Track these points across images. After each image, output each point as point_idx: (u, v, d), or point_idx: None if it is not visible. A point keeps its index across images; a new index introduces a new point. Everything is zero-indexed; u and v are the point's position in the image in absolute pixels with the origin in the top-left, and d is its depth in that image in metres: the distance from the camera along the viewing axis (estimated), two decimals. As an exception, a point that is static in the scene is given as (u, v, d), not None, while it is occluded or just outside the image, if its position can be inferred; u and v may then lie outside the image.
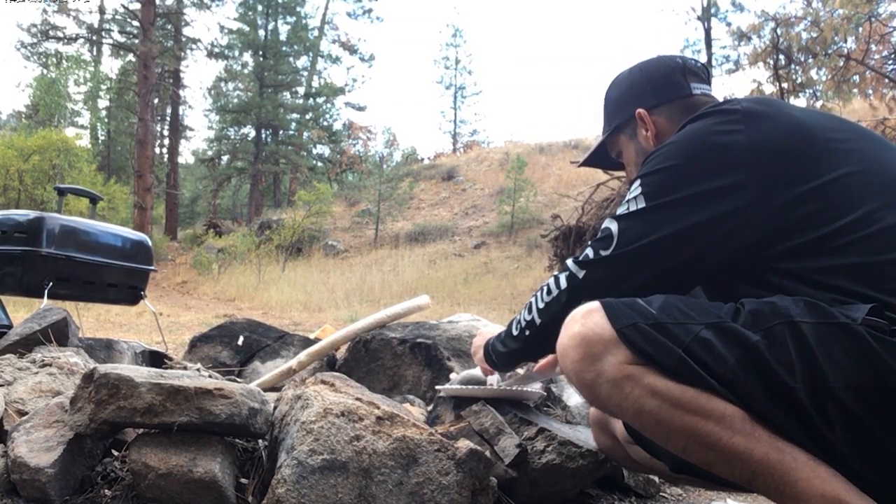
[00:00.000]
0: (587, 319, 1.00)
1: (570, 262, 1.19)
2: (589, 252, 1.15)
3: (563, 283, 1.17)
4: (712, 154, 1.06)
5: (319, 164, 28.13)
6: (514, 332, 1.30)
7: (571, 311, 1.05)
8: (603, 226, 1.17)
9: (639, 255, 1.09)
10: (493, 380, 1.67)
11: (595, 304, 1.00)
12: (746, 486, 0.95)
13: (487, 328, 1.58)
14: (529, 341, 1.26)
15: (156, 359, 2.55)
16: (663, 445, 1.00)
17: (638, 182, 1.13)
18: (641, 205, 1.10)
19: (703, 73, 1.35)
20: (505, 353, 1.35)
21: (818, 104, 9.40)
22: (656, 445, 1.25)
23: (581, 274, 1.14)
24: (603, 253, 1.12)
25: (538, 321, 1.21)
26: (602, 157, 1.52)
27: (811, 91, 9.76)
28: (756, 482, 0.92)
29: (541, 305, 1.21)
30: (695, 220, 1.05)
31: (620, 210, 1.14)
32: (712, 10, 15.50)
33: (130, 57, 23.46)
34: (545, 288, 1.21)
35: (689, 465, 1.19)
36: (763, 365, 0.90)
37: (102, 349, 2.41)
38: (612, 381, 0.97)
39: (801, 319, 0.91)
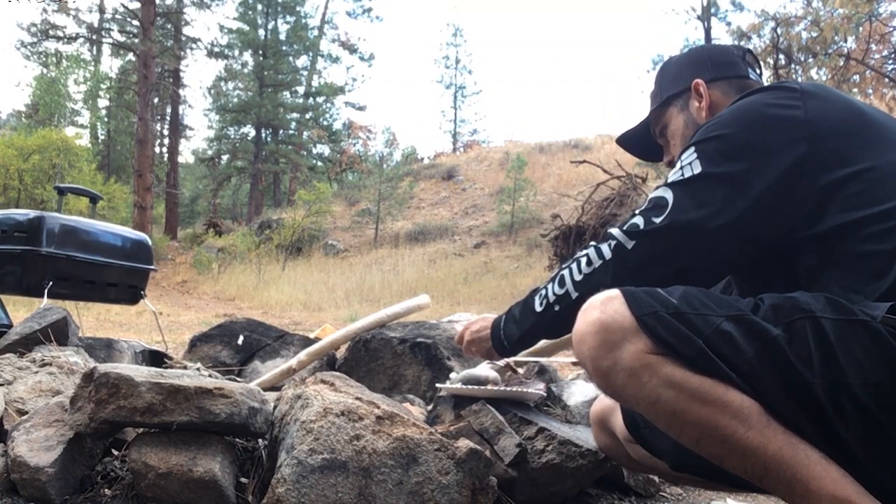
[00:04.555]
0: (606, 306, 0.97)
1: (615, 231, 1.11)
2: (638, 221, 1.09)
3: (608, 254, 1.10)
4: (770, 125, 1.05)
5: (319, 163, 28.12)
6: (538, 308, 1.21)
7: (608, 288, 1.01)
8: (653, 195, 1.10)
9: (694, 226, 1.04)
10: (487, 370, 1.69)
11: (615, 292, 0.98)
12: (756, 482, 0.94)
13: (469, 319, 1.53)
14: (558, 317, 1.18)
15: (156, 358, 2.55)
16: (676, 437, 0.99)
17: (692, 149, 1.09)
18: (697, 170, 1.06)
19: (759, 66, 1.36)
20: (522, 335, 1.27)
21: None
22: (657, 444, 1.25)
23: (630, 245, 1.07)
24: (656, 221, 1.06)
25: (574, 294, 1.13)
26: (639, 139, 1.47)
27: (811, 91, 9.73)
28: (767, 479, 0.92)
29: (578, 277, 1.13)
30: (752, 191, 1.02)
31: (673, 177, 1.09)
32: (712, 10, 15.50)
33: (130, 56, 23.47)
34: (583, 259, 1.13)
35: (690, 464, 1.19)
36: (782, 359, 0.89)
37: (102, 348, 2.42)
38: (630, 370, 0.95)
39: (823, 315, 0.90)
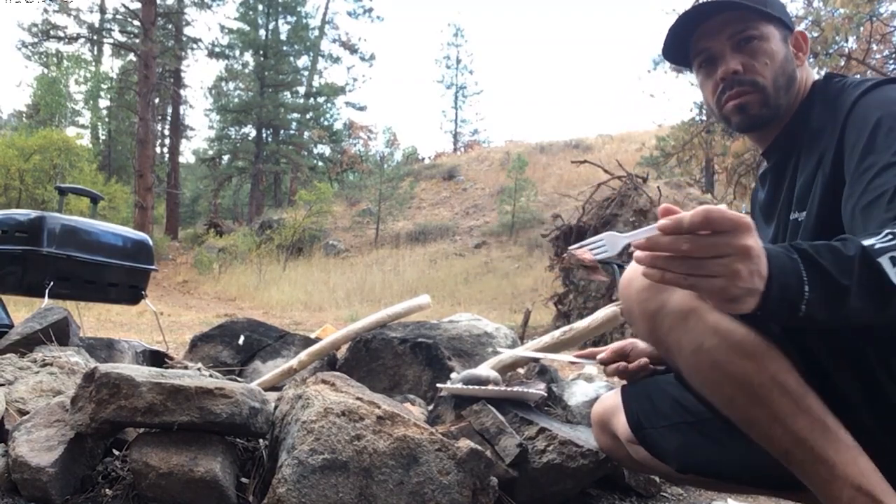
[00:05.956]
0: None
1: None
2: None
3: None
4: None
5: (320, 163, 28.15)
6: None
7: None
8: None
9: None
10: (488, 370, 1.66)
11: None
12: (781, 458, 0.92)
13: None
14: None
15: (156, 358, 2.55)
16: (709, 395, 0.96)
17: None
18: None
19: None
20: (847, 314, 0.81)
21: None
22: (661, 445, 1.23)
23: None
24: None
25: None
26: (684, 37, 1.22)
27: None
28: (792, 455, 0.89)
29: None
30: None
31: None
32: (713, 10, 15.46)
33: (131, 56, 23.49)
34: None
35: (695, 466, 1.18)
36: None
37: (103, 349, 2.42)
38: (677, 312, 0.93)
39: None
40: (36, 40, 23.71)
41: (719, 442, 1.13)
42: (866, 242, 0.80)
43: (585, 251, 1.03)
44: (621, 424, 1.33)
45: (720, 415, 1.00)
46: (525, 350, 2.23)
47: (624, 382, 1.40)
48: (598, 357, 1.44)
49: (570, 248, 1.05)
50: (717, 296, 0.78)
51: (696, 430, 1.17)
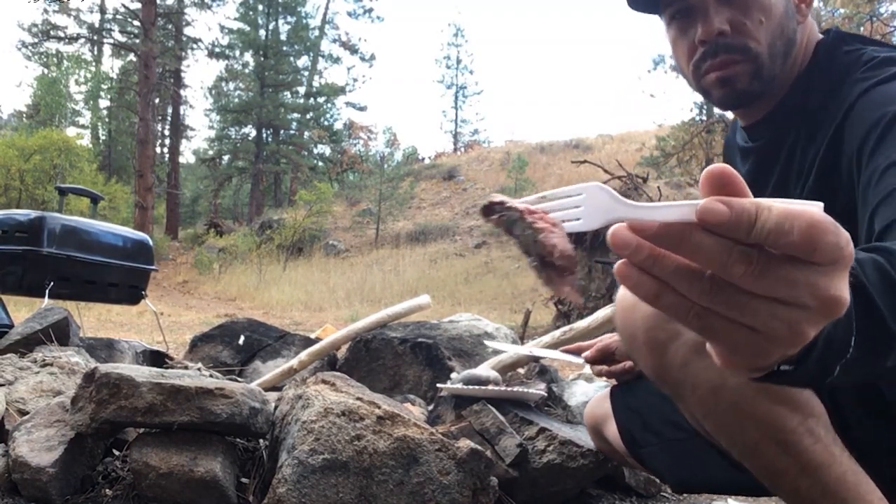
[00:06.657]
0: None
1: None
2: None
3: None
4: None
5: (320, 163, 28.16)
6: None
7: None
8: None
9: None
10: (488, 370, 1.66)
11: None
12: None
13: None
14: None
15: (157, 358, 2.55)
16: (726, 440, 0.82)
17: None
18: None
19: None
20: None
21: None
22: (656, 464, 1.17)
23: None
24: None
25: None
26: None
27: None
28: None
29: None
30: None
31: None
32: (713, 10, 15.47)
33: (131, 56, 23.52)
34: None
35: (690, 484, 1.12)
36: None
37: (103, 349, 2.42)
38: (694, 345, 0.75)
39: None
40: (36, 40, 23.76)
41: (712, 458, 1.07)
42: None
43: (550, 224, 0.50)
44: (612, 433, 1.27)
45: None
46: (522, 348, 2.23)
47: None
48: (584, 355, 1.37)
49: (523, 199, 0.53)
50: (743, 359, 0.44)
51: (688, 448, 1.09)
